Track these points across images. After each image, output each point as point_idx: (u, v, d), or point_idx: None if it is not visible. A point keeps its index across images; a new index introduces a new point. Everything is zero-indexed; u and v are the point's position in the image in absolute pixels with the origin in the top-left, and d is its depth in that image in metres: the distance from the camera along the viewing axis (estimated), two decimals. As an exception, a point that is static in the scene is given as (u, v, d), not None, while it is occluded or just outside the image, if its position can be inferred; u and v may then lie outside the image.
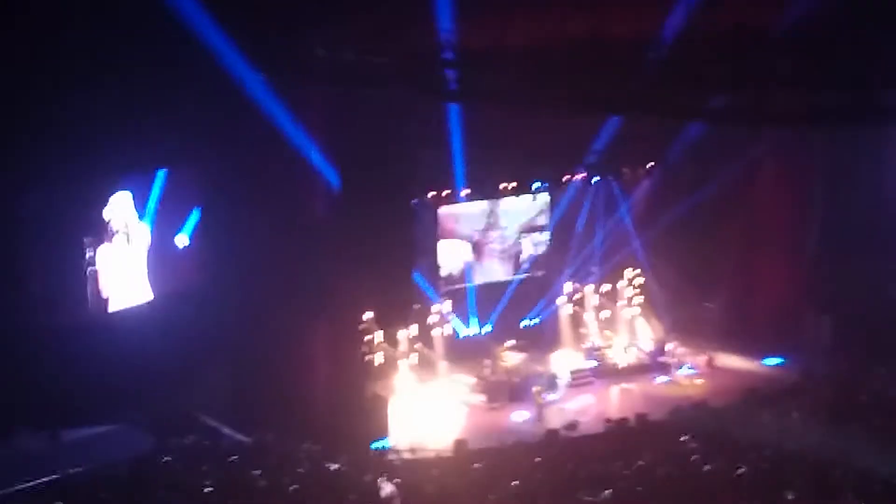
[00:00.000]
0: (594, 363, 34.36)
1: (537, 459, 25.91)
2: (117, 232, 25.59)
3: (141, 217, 26.15)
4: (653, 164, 35.87)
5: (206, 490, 20.33)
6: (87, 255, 24.94)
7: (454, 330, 34.88)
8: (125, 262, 25.92)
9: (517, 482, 22.55)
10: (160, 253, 26.80)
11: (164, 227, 26.86)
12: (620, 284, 37.44)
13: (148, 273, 26.56)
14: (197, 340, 26.90)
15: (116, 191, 25.48)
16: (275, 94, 26.52)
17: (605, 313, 37.14)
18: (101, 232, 25.21)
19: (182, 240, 27.31)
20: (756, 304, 36.55)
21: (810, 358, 33.52)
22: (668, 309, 37.02)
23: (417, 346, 33.58)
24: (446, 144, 30.73)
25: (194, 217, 27.42)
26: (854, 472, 21.43)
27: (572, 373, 33.17)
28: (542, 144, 31.87)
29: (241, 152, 26.71)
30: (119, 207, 25.59)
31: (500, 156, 31.98)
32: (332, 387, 29.16)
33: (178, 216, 27.23)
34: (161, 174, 26.38)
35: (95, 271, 25.16)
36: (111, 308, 25.76)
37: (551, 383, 32.00)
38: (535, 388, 31.04)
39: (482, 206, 34.36)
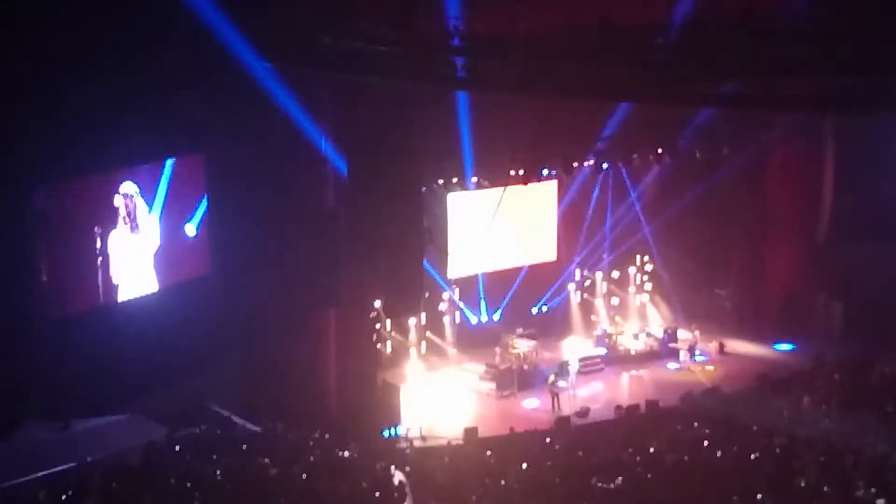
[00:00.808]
0: (604, 350, 34.33)
1: (548, 440, 26.04)
2: (127, 221, 25.56)
3: (149, 207, 26.12)
4: (662, 150, 35.79)
5: (216, 479, 20.36)
6: (98, 246, 24.91)
7: (464, 317, 34.89)
8: (135, 251, 25.90)
9: (526, 465, 22.65)
10: (169, 243, 26.77)
11: (173, 217, 26.81)
12: (631, 271, 37.47)
13: (156, 263, 26.53)
14: (207, 330, 26.88)
15: (125, 180, 25.45)
16: (283, 83, 26.49)
17: (615, 300, 37.16)
18: (110, 222, 25.18)
19: (190, 230, 27.27)
20: (767, 290, 36.60)
21: (822, 344, 33.50)
22: (679, 295, 37.00)
23: (427, 334, 33.63)
24: (455, 132, 30.68)
25: (203, 207, 27.36)
26: (866, 458, 21.42)
27: (582, 360, 33.13)
28: (551, 131, 31.85)
29: (249, 141, 26.66)
30: (128, 197, 25.56)
31: (508, 143, 31.94)
32: (342, 375, 29.21)
33: (186, 206, 27.18)
34: (169, 164, 26.34)
35: (106, 261, 25.14)
36: (121, 297, 25.75)
37: (563, 371, 31.97)
38: (550, 378, 30.95)
39: (492, 193, 34.33)
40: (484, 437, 27.21)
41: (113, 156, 24.61)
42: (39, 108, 22.20)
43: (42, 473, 21.19)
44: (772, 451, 22.63)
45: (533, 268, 35.86)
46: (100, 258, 24.95)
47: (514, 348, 33.24)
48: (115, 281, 25.46)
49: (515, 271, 35.55)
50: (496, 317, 35.41)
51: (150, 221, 26.18)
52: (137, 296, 26.06)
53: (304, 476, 20.83)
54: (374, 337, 31.73)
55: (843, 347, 32.73)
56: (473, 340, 34.41)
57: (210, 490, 19.75)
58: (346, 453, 23.43)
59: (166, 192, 26.34)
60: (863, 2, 20.63)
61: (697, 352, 34.23)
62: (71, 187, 24.24)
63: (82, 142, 23.17)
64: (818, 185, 35.91)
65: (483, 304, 35.24)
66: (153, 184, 26.15)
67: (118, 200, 25.28)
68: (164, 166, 26.28)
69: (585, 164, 35.02)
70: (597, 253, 37.02)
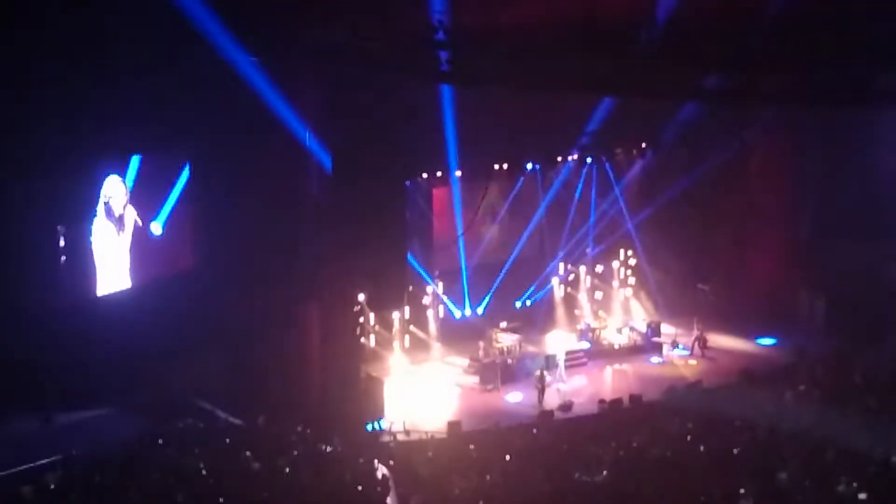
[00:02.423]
0: (588, 344, 34.37)
1: (535, 431, 26.10)
2: (109, 215, 25.49)
3: (132, 202, 26.03)
4: (646, 145, 35.88)
5: (200, 472, 20.34)
6: (80, 239, 24.80)
7: (448, 311, 34.92)
8: (118, 245, 25.82)
9: (510, 459, 22.68)
10: (151, 237, 26.71)
11: (154, 212, 26.73)
12: (614, 265, 37.53)
13: (139, 257, 26.46)
14: (190, 323, 26.84)
15: (109, 175, 25.36)
16: (267, 76, 26.43)
17: (599, 294, 37.23)
18: (92, 215, 25.09)
19: (172, 224, 27.19)
20: (749, 285, 36.69)
21: (804, 339, 33.63)
22: (662, 290, 37.10)
23: (411, 327, 33.63)
24: (439, 125, 30.68)
25: (179, 201, 27.25)
26: (847, 452, 21.50)
27: (566, 354, 33.17)
28: (534, 126, 31.86)
29: (233, 135, 26.59)
30: (113, 192, 25.48)
31: (492, 137, 31.94)
32: (325, 369, 29.17)
33: (168, 200, 27.09)
34: (146, 158, 26.23)
35: (89, 254, 25.07)
36: (104, 291, 25.66)
37: (549, 365, 32.06)
38: (537, 373, 30.97)
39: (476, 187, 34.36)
40: (467, 430, 27.23)
41: (96, 150, 24.53)
42: (20, 101, 22.11)
43: (25, 467, 21.15)
44: (754, 446, 22.71)
45: (517, 262, 35.92)
46: (82, 252, 24.88)
47: (497, 342, 33.29)
48: (98, 274, 25.39)
49: (499, 265, 35.59)
50: (480, 311, 35.43)
51: (133, 215, 26.11)
52: (120, 289, 26.00)
53: (288, 470, 20.82)
54: (358, 330, 31.67)
55: (826, 342, 32.88)
56: (457, 334, 34.44)
57: (193, 484, 19.73)
58: (330, 447, 23.43)
59: (149, 187, 26.29)
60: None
61: (680, 345, 34.30)
62: (53, 181, 24.12)
63: (64, 135, 23.05)
64: (800, 181, 36.06)
65: (467, 298, 35.26)
66: (135, 178, 26.08)
67: (101, 194, 25.20)
68: (146, 160, 26.19)
69: (569, 158, 35.10)
70: (581, 247, 37.09)
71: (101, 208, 25.20)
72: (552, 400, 30.18)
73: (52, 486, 19.44)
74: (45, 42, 22.27)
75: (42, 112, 22.48)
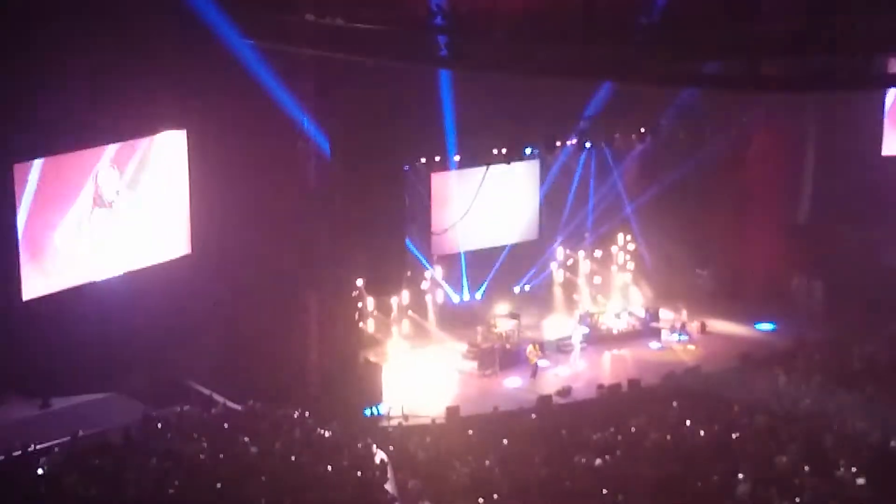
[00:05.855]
0: (587, 329, 34.33)
1: (533, 416, 26.14)
2: (105, 199, 25.45)
3: (129, 185, 25.99)
4: (645, 130, 35.83)
5: (198, 457, 20.34)
6: (77, 224, 24.77)
7: (446, 296, 34.90)
8: (116, 230, 25.80)
9: (509, 444, 22.72)
10: (149, 221, 26.68)
11: (152, 196, 26.67)
12: (613, 250, 37.51)
13: (136, 242, 26.42)
14: (188, 308, 26.85)
15: (105, 158, 25.31)
16: (265, 61, 26.36)
17: (598, 279, 37.20)
18: (89, 200, 25.05)
19: (171, 208, 27.14)
20: (748, 270, 36.69)
21: (802, 323, 33.63)
22: (661, 275, 37.09)
23: (409, 312, 33.62)
24: (438, 110, 30.63)
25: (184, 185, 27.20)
26: (846, 437, 21.54)
27: (562, 339, 33.23)
28: (533, 111, 31.81)
29: (230, 120, 26.55)
30: (107, 175, 25.43)
31: (491, 122, 31.89)
32: (324, 353, 29.18)
33: (166, 185, 27.02)
34: (147, 141, 26.21)
35: (86, 239, 25.05)
36: (101, 276, 25.64)
37: (562, 346, 32.32)
38: (529, 348, 31.13)
39: (475, 172, 34.29)
40: (466, 415, 27.24)
41: (93, 133, 24.51)
42: (17, 84, 22.09)
43: (22, 452, 21.14)
44: (753, 430, 22.74)
45: (515, 247, 35.87)
46: (78, 236, 24.87)
47: (496, 327, 33.27)
48: (93, 259, 25.37)
49: (498, 250, 35.55)
50: (478, 296, 35.41)
51: (130, 200, 26.07)
52: (118, 274, 25.98)
53: (286, 455, 20.83)
54: (357, 315, 31.66)
55: (824, 327, 32.89)
56: (456, 319, 34.40)
57: (191, 468, 19.74)
58: (328, 432, 23.42)
59: (145, 171, 26.24)
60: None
61: (677, 333, 34.26)
62: (51, 165, 24.09)
63: (61, 119, 23.04)
64: (799, 166, 36.06)
65: (465, 282, 35.23)
66: (133, 162, 26.05)
67: (97, 178, 25.17)
68: (143, 144, 26.15)
69: (568, 143, 35.03)
70: (579, 232, 37.06)
71: (96, 192, 25.17)
72: (551, 384, 30.20)
73: (50, 471, 19.45)
74: (43, 27, 22.30)
75: (33, 96, 22.47)
